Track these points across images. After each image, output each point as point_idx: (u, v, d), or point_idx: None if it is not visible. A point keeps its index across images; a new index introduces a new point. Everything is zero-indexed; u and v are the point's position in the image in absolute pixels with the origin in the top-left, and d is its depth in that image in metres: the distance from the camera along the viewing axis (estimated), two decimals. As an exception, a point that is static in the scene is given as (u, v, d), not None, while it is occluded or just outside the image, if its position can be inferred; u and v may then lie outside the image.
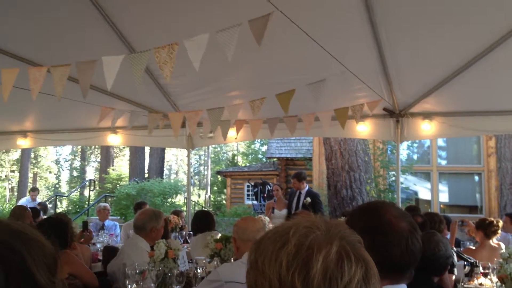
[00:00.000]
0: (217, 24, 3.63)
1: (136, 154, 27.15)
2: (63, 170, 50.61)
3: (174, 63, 3.70)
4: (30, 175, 38.45)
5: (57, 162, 49.49)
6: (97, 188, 28.59)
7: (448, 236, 6.00)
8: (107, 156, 32.18)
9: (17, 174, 37.22)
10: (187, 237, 7.42)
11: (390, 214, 1.79)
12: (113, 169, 30.59)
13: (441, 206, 16.51)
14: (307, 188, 9.42)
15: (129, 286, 3.91)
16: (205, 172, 47.57)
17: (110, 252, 5.59)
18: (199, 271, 4.19)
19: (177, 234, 7.30)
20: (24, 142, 9.07)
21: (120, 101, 7.03)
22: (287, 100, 5.42)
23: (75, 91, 6.24)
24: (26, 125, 8.81)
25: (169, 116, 6.50)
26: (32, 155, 39.00)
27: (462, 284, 3.84)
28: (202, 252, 5.16)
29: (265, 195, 21.23)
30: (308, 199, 9.02)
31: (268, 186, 21.44)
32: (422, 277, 2.33)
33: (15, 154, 40.41)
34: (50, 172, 47.64)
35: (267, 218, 7.61)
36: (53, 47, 5.49)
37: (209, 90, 6.73)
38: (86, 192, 29.74)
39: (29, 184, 34.73)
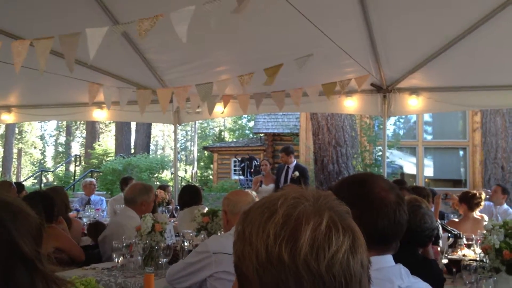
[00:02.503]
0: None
1: (122, 130, 26.98)
2: (48, 145, 50.23)
3: (152, 28, 3.64)
4: (15, 150, 38.12)
5: (42, 137, 49.05)
6: (83, 163, 28.44)
7: (433, 209, 6.08)
8: (92, 131, 31.95)
9: (1, 149, 36.86)
10: (174, 212, 7.44)
11: (378, 186, 1.80)
12: (99, 145, 30.40)
13: (426, 180, 16.70)
14: (295, 162, 9.46)
15: (116, 259, 3.93)
16: (192, 148, 47.47)
17: (96, 227, 5.61)
18: (186, 244, 4.21)
19: (164, 208, 7.32)
20: (8, 117, 8.96)
21: (106, 76, 6.95)
22: (274, 74, 5.39)
23: (60, 65, 6.14)
24: (10, 100, 8.69)
25: (157, 93, 6.45)
26: (17, 131, 38.58)
27: (446, 255, 3.91)
28: (189, 226, 5.18)
29: (252, 170, 21.29)
30: (297, 173, 9.07)
31: (255, 162, 21.50)
32: (407, 248, 2.36)
33: (-1, 130, 39.96)
34: (35, 147, 47.24)
35: (254, 193, 7.64)
36: (36, 20, 5.39)
37: (196, 66, 6.67)
38: (71, 168, 29.60)
39: (13, 160, 34.48)
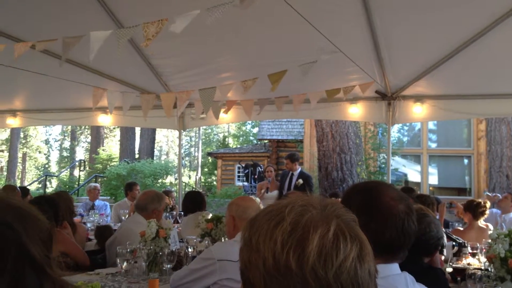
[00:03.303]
0: (209, 3, 3.58)
1: (126, 135, 27.03)
2: (52, 150, 50.36)
3: (158, 34, 3.65)
4: (20, 155, 38.24)
5: (46, 142, 49.19)
6: (87, 168, 28.50)
7: (437, 217, 6.06)
8: (97, 136, 32.04)
9: (6, 154, 36.98)
10: (178, 217, 7.43)
11: (388, 195, 1.79)
12: (103, 150, 30.49)
13: (430, 188, 16.66)
14: (299, 169, 9.44)
15: (120, 264, 3.92)
16: (196, 154, 47.50)
17: (102, 231, 5.61)
18: (190, 250, 4.20)
19: (167, 214, 7.31)
20: (13, 122, 8.99)
21: (111, 81, 6.97)
22: (278, 79, 5.39)
23: (65, 70, 6.19)
24: (15, 104, 8.72)
25: (161, 97, 6.47)
26: (22, 135, 38.72)
27: (451, 263, 3.89)
28: (193, 232, 5.17)
29: (256, 176, 21.30)
30: (300, 181, 9.05)
31: (259, 168, 21.50)
32: (413, 257, 2.35)
33: (4, 134, 40.07)
34: (39, 152, 47.36)
35: (257, 199, 7.63)
36: (40, 25, 5.40)
37: (201, 71, 6.69)
38: (76, 173, 29.67)
39: (18, 164, 34.56)
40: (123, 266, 3.94)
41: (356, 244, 0.96)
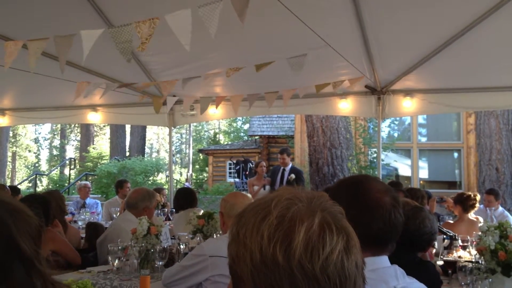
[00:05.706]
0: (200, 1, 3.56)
1: (116, 133, 26.93)
2: (42, 149, 50.06)
3: (152, 37, 3.64)
4: (9, 154, 37.96)
5: (36, 140, 48.89)
6: (78, 166, 28.35)
7: (428, 211, 6.08)
8: (87, 134, 31.88)
9: (-5, 153, 36.72)
10: (169, 215, 7.42)
11: (374, 188, 1.80)
12: (93, 148, 30.35)
13: (421, 182, 16.72)
14: (290, 165, 9.46)
15: (112, 262, 3.91)
16: (187, 151, 47.40)
17: (93, 228, 5.59)
18: (181, 247, 4.20)
19: (159, 211, 7.30)
20: (2, 120, 8.94)
21: (101, 79, 6.93)
22: (264, 66, 5.38)
23: (53, 68, 6.13)
24: (4, 103, 8.66)
25: (141, 84, 6.41)
26: (11, 134, 38.43)
27: (442, 256, 3.92)
28: (185, 228, 5.17)
29: (247, 172, 21.27)
30: (293, 176, 9.07)
31: (250, 164, 21.48)
32: (406, 252, 2.37)
33: (-7, 133, 39.76)
34: (29, 151, 47.08)
35: (249, 195, 7.62)
36: (30, 24, 5.35)
37: (191, 68, 6.66)
38: (66, 171, 29.50)
39: (8, 163, 34.32)
40: (115, 264, 3.93)
41: (342, 237, 0.96)
